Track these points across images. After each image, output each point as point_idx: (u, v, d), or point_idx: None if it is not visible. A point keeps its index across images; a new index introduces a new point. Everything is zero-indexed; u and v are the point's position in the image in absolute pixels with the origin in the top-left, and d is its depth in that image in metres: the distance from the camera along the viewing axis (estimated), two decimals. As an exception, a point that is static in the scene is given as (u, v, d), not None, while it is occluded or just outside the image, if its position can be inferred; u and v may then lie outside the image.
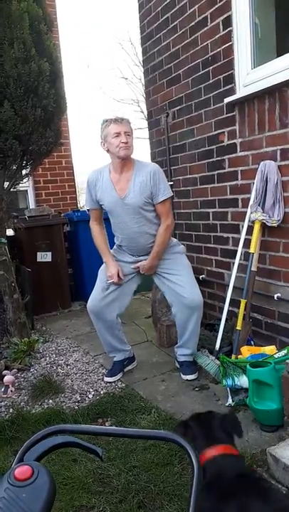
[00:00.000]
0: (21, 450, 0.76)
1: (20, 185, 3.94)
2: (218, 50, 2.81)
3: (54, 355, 3.25)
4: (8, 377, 2.71)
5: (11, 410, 2.44)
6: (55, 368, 3.02)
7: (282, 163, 2.40)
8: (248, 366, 2.07)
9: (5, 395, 2.61)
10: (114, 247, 2.79)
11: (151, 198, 2.52)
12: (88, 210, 2.80)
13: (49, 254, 4.40)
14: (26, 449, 0.76)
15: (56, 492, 0.67)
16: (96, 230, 2.73)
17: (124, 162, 2.52)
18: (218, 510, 1.01)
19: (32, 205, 5.48)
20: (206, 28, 2.92)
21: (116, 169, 2.55)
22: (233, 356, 2.51)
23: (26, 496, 0.64)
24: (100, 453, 0.81)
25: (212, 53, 2.89)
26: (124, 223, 2.59)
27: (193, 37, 3.07)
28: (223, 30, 2.75)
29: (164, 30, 3.44)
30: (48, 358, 3.20)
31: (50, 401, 2.53)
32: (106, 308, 2.65)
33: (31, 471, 0.67)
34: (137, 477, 1.79)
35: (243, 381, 2.22)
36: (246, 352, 2.40)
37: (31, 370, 3.00)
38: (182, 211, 3.54)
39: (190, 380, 2.66)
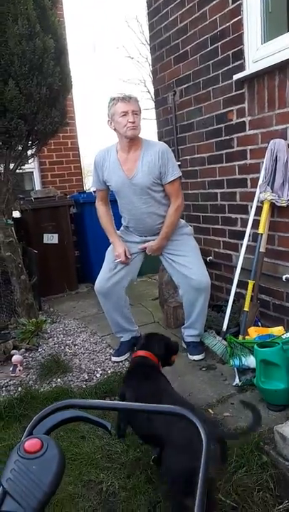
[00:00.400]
0: (31, 424, 0.76)
1: (26, 166, 3.92)
2: (227, 24, 2.73)
3: (62, 336, 3.28)
4: (16, 357, 2.75)
5: (19, 389, 2.48)
6: (62, 347, 3.05)
7: (293, 141, 2.35)
8: (255, 346, 2.07)
9: (13, 374, 2.65)
10: (122, 227, 2.78)
11: (160, 178, 2.49)
12: (94, 191, 2.77)
13: (55, 236, 4.40)
14: (36, 423, 0.76)
15: (65, 465, 0.67)
16: (102, 210, 2.71)
17: (132, 142, 2.47)
18: (128, 385, 1.74)
19: (38, 186, 5.45)
20: (214, 2, 2.82)
21: (123, 149, 2.51)
22: (241, 337, 2.51)
23: (36, 467, 0.65)
24: (109, 427, 0.82)
25: (221, 28, 2.80)
26: (132, 204, 2.57)
27: (201, 11, 2.98)
28: (233, 4, 2.66)
29: (172, 5, 3.33)
30: (55, 338, 3.23)
31: (59, 380, 2.56)
32: (113, 287, 2.66)
33: (41, 444, 0.67)
34: (144, 453, 1.82)
35: (250, 361, 2.22)
36: (253, 333, 2.40)
37: (39, 349, 3.03)
38: (189, 192, 3.50)
39: (197, 360, 2.67)
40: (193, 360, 2.68)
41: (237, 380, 2.31)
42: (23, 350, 2.94)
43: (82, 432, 1.97)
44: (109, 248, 2.75)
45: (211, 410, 2.12)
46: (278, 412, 2.04)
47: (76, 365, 2.75)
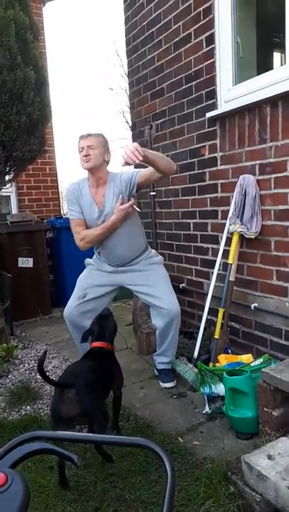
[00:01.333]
0: None
1: (3, 190, 3.94)
2: (201, 66, 2.90)
3: (33, 362, 3.24)
4: (-15, 384, 2.69)
5: (-13, 417, 2.42)
6: (33, 374, 3.01)
7: (261, 177, 2.48)
8: (224, 374, 2.11)
9: (-18, 402, 2.59)
10: (94, 256, 2.79)
11: (132, 192, 2.50)
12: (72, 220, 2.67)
13: (30, 260, 4.39)
14: (1, 456, 0.75)
15: (30, 500, 0.68)
16: (86, 231, 2.59)
17: (96, 175, 2.51)
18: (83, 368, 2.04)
19: (14, 210, 5.46)
20: (189, 44, 3.00)
21: (92, 183, 2.56)
22: (211, 364, 2.55)
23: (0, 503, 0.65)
24: (76, 460, 0.82)
25: (195, 69, 2.97)
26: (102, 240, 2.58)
27: (177, 52, 3.15)
28: (206, 47, 2.83)
29: (149, 45, 3.51)
30: (26, 365, 3.18)
31: (28, 407, 2.52)
32: (82, 316, 2.63)
33: (5, 478, 0.66)
34: (113, 485, 1.81)
35: (220, 389, 2.26)
36: (223, 360, 2.45)
37: (9, 376, 2.98)
38: (164, 221, 3.59)
39: (168, 388, 2.69)
40: (165, 387, 2.70)
41: (207, 408, 2.34)
42: (-8, 377, 2.89)
43: (51, 463, 1.94)
44: (80, 275, 2.76)
45: (180, 439, 2.13)
46: (246, 440, 2.08)
47: (47, 392, 2.72)
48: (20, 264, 4.33)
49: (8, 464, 0.73)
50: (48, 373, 3.01)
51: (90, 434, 0.95)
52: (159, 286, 2.64)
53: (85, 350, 2.73)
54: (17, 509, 0.63)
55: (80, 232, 2.59)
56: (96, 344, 2.22)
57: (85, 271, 2.79)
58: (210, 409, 2.33)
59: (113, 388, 2.16)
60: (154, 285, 2.64)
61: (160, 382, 2.74)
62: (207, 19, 2.79)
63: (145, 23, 3.53)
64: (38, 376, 2.94)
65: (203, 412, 2.35)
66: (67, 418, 1.80)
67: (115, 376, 2.20)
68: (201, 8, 2.83)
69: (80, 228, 2.60)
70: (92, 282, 2.68)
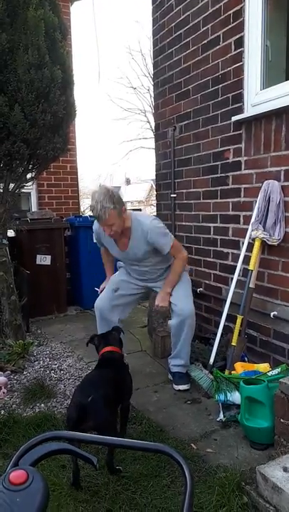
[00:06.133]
0: (17, 454, 0.75)
1: (24, 187, 3.97)
2: (229, 69, 2.87)
3: (48, 359, 3.25)
4: (1, 379, 2.71)
5: (2, 412, 2.44)
6: (48, 372, 3.02)
7: (286, 183, 2.44)
8: (241, 383, 2.08)
9: (-3, 397, 2.61)
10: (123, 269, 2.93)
11: (155, 249, 2.61)
12: (91, 215, 2.98)
13: (48, 257, 4.42)
14: (22, 454, 0.76)
15: (49, 499, 0.68)
16: (103, 251, 2.95)
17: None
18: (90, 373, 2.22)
19: (34, 207, 5.50)
20: (217, 47, 2.98)
21: None
22: (227, 371, 2.52)
23: (20, 500, 0.64)
24: (95, 462, 0.82)
25: (222, 72, 2.94)
26: (131, 266, 2.78)
27: (204, 54, 3.13)
28: (235, 51, 2.80)
29: (176, 46, 3.50)
30: (41, 362, 3.20)
31: (42, 405, 2.53)
32: (111, 309, 2.77)
33: (26, 476, 0.66)
34: (125, 487, 1.79)
35: (235, 397, 2.23)
36: (240, 368, 2.41)
37: (24, 372, 2.99)
38: (183, 224, 3.57)
39: (182, 391, 2.68)
40: (178, 390, 2.69)
41: (221, 416, 2.30)
42: (8, 372, 2.91)
43: (63, 461, 1.94)
44: (116, 273, 2.92)
45: (193, 445, 2.11)
46: (261, 450, 2.04)
47: (61, 390, 2.73)
48: (38, 262, 4.36)
49: (29, 462, 0.74)
50: (62, 372, 3.02)
51: (110, 438, 0.93)
52: (178, 289, 2.70)
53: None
54: (37, 506, 0.63)
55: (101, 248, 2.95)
56: (108, 349, 2.26)
57: (118, 271, 2.95)
58: (224, 416, 2.30)
59: (124, 398, 2.15)
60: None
61: (174, 385, 2.73)
62: (236, 22, 2.76)
63: (173, 24, 3.52)
64: (53, 374, 2.96)
65: (218, 419, 2.32)
66: (81, 430, 1.78)
67: (127, 386, 2.21)
68: (230, 11, 2.81)
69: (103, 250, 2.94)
70: (125, 279, 2.83)
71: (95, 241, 2.94)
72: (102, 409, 1.82)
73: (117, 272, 2.95)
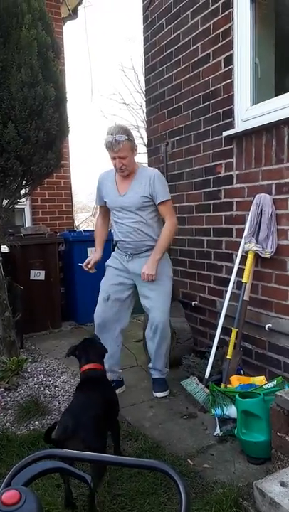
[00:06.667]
0: (9, 474, 0.74)
1: (18, 203, 3.98)
2: (219, 85, 2.93)
3: (42, 376, 3.21)
4: (-6, 397, 2.68)
5: (-5, 431, 2.40)
6: (42, 388, 2.98)
7: (277, 196, 2.47)
8: (237, 396, 2.07)
9: (-10, 415, 2.57)
10: (113, 253, 2.95)
11: (152, 199, 2.67)
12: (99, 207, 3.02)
13: (42, 272, 4.40)
14: (15, 473, 0.74)
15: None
16: (99, 222, 3.02)
17: None
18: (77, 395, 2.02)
19: (28, 223, 5.51)
20: (208, 65, 3.04)
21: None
22: (223, 385, 2.51)
23: None
24: (89, 480, 0.81)
25: (213, 88, 3.00)
26: (121, 219, 2.75)
27: (195, 72, 3.20)
28: (225, 68, 2.87)
29: (168, 64, 3.57)
30: (35, 379, 3.16)
31: (37, 423, 2.49)
32: (108, 318, 2.78)
33: (19, 496, 0.65)
34: (121, 505, 1.77)
35: (231, 411, 2.21)
36: (236, 381, 2.41)
37: (18, 389, 2.96)
38: (177, 237, 3.58)
39: (159, 398, 2.75)
40: (156, 397, 2.76)
41: (218, 430, 2.28)
42: (1, 389, 2.87)
43: (58, 480, 1.91)
44: (102, 280, 2.90)
45: (190, 461, 2.08)
46: (258, 465, 2.02)
47: (55, 407, 2.69)
48: (32, 277, 4.34)
49: (22, 482, 0.73)
50: (56, 388, 2.99)
51: (105, 455, 0.92)
52: (158, 294, 2.73)
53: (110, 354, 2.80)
54: None
55: (97, 218, 3.06)
56: (88, 366, 2.12)
57: (105, 274, 2.92)
58: (221, 431, 2.28)
59: (112, 416, 2.07)
60: (152, 289, 2.72)
61: (153, 392, 2.80)
62: (226, 41, 2.83)
63: (164, 43, 3.60)
64: (47, 391, 2.93)
65: (214, 434, 2.30)
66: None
67: (115, 408, 2.13)
68: (220, 30, 2.88)
69: (100, 211, 3.02)
70: (113, 282, 2.81)
71: (95, 203, 3.00)
72: (93, 435, 1.71)
73: (103, 278, 2.90)
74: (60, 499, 1.80)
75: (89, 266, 2.85)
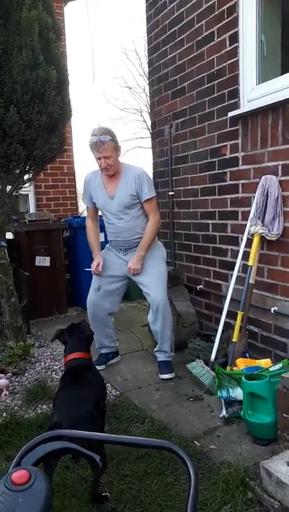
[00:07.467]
0: (19, 454, 0.75)
1: (22, 189, 3.97)
2: (224, 65, 2.86)
3: (49, 361, 3.24)
4: (2, 381, 2.70)
5: (4, 414, 2.43)
6: (49, 373, 3.01)
7: (283, 178, 2.43)
8: (243, 378, 2.08)
9: (-2, 399, 2.60)
10: (107, 245, 3.04)
11: (138, 196, 2.76)
12: (87, 207, 3.07)
13: (47, 258, 4.41)
14: (24, 454, 0.75)
15: (53, 499, 0.67)
16: (90, 226, 3.04)
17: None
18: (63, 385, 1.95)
19: (32, 209, 5.49)
20: (212, 43, 2.97)
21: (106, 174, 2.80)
22: (228, 368, 2.51)
23: (23, 500, 0.63)
24: (98, 460, 0.82)
25: (217, 68, 2.93)
26: (111, 219, 2.84)
27: (199, 51, 3.12)
28: (230, 46, 2.80)
29: (171, 43, 3.49)
30: (42, 363, 3.19)
31: (44, 406, 2.52)
32: (98, 304, 2.93)
33: (28, 476, 0.66)
34: (129, 486, 1.79)
35: (237, 393, 2.22)
36: (241, 364, 2.41)
37: (26, 374, 2.99)
38: (182, 221, 3.56)
39: (166, 379, 2.79)
40: (162, 378, 2.81)
41: (224, 412, 2.30)
42: (9, 374, 2.90)
43: (67, 462, 1.93)
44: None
45: (197, 442, 2.10)
46: (264, 446, 2.04)
47: (62, 391, 2.72)
48: (37, 263, 4.35)
49: (31, 462, 0.73)
50: (63, 372, 3.01)
51: (112, 435, 0.93)
52: (151, 276, 2.81)
53: (99, 342, 3.04)
54: (40, 506, 0.62)
55: (87, 222, 3.05)
56: (74, 356, 2.04)
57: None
58: (227, 413, 2.29)
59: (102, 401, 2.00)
60: (146, 274, 2.81)
61: (159, 374, 2.85)
62: (231, 18, 2.76)
63: (167, 21, 3.51)
64: (54, 375, 2.96)
65: (220, 415, 2.31)
66: None
67: (103, 390, 2.12)
68: (225, 7, 2.80)
69: (89, 214, 3.03)
70: (104, 274, 2.91)
71: (84, 203, 3.04)
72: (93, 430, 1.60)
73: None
74: (70, 480, 1.83)
75: (99, 269, 2.89)
